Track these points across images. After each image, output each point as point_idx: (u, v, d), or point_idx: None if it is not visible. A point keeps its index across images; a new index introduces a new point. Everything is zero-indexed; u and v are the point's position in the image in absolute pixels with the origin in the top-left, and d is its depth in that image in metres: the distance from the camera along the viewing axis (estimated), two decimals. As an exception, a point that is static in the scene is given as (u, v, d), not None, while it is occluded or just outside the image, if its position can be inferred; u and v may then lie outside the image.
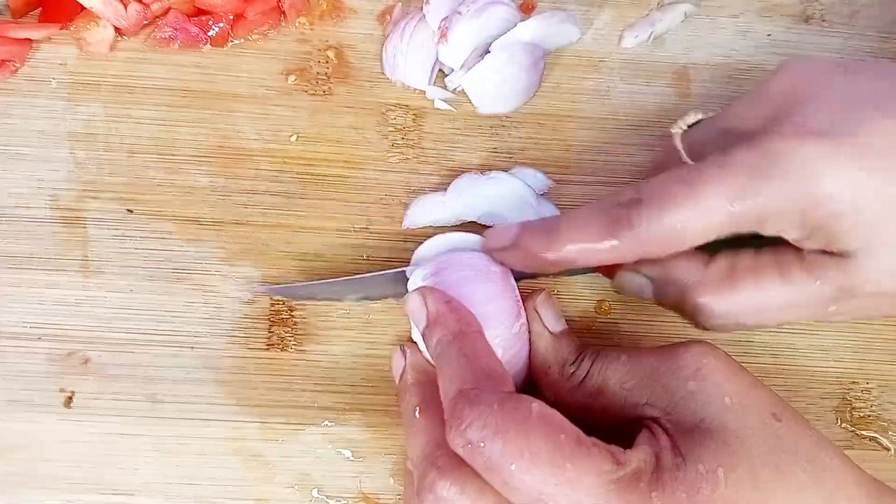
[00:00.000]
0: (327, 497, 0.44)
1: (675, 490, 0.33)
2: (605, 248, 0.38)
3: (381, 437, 0.45)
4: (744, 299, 0.39)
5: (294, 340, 0.46)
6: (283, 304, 0.47)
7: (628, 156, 0.50)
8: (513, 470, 0.32)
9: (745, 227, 0.37)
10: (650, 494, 0.33)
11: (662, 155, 0.47)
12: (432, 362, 0.40)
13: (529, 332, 0.43)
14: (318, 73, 0.51)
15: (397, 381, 0.43)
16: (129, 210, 0.47)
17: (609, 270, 0.45)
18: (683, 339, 0.39)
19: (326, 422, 0.45)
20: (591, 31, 0.53)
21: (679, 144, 0.40)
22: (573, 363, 0.41)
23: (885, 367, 0.48)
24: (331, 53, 0.51)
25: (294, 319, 0.47)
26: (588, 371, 0.40)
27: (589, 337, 0.47)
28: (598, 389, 0.39)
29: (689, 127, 0.41)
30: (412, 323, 0.42)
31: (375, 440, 0.45)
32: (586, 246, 0.39)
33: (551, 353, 0.42)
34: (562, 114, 0.51)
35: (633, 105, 0.52)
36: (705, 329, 0.41)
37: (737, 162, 0.37)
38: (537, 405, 0.34)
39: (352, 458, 0.45)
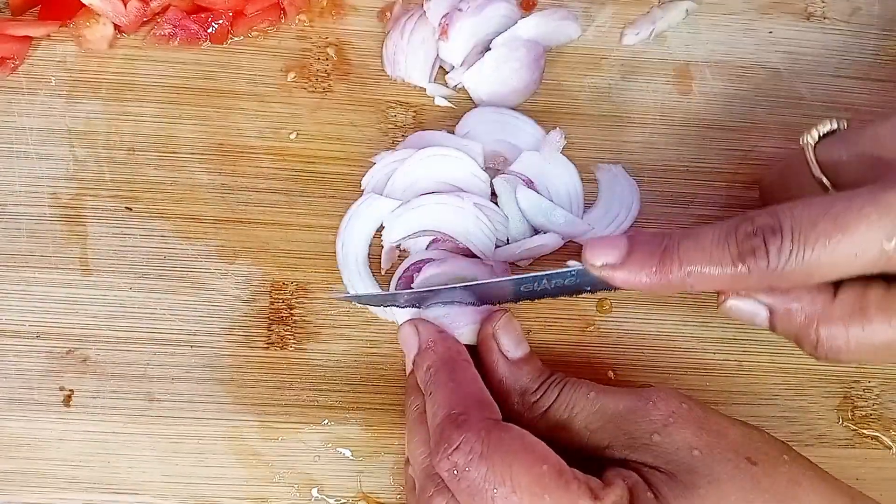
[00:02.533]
0: (327, 496, 0.44)
1: None
2: (731, 277, 0.36)
3: (381, 437, 0.45)
4: (873, 335, 0.37)
5: (294, 339, 0.46)
6: (283, 302, 0.47)
7: (631, 153, 0.50)
8: (494, 495, 0.33)
9: (894, 268, 0.35)
10: None
11: (784, 165, 0.44)
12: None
13: (484, 358, 0.41)
14: (317, 70, 0.50)
15: (408, 359, 0.42)
16: (128, 208, 0.47)
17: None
18: (657, 382, 0.40)
19: (326, 421, 0.45)
20: (592, 28, 0.53)
21: (811, 157, 0.38)
22: (535, 391, 0.40)
23: (887, 365, 0.48)
24: (331, 50, 0.51)
25: (294, 318, 0.46)
26: (553, 402, 0.39)
27: (589, 335, 0.47)
28: (562, 425, 0.39)
29: (822, 137, 0.39)
30: (404, 351, 0.42)
31: (375, 439, 0.45)
32: (709, 272, 0.36)
33: (511, 380, 0.41)
34: (562, 111, 0.51)
35: (633, 102, 0.51)
36: (820, 360, 0.39)
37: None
38: (523, 434, 0.34)
39: (351, 458, 0.45)
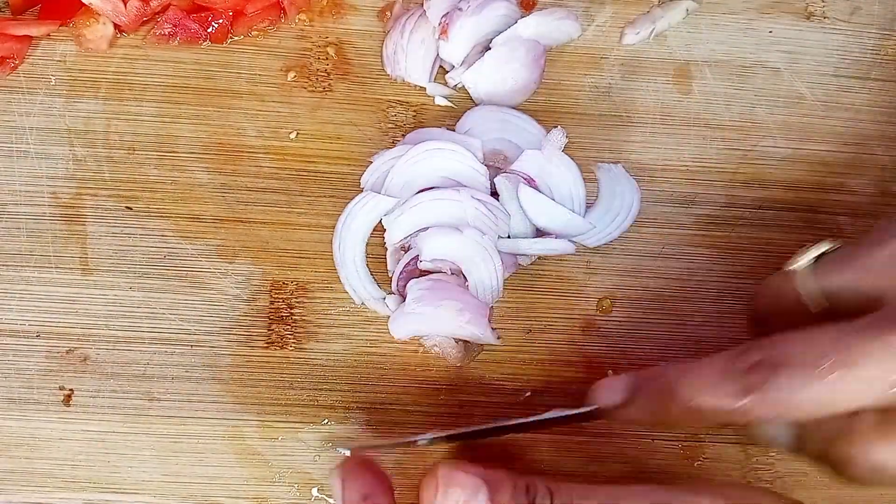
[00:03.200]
0: (327, 496, 0.44)
1: None
2: (733, 411, 0.36)
3: (382, 436, 0.45)
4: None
5: (294, 339, 0.46)
6: (283, 301, 0.46)
7: (631, 153, 0.50)
8: None
9: None
10: None
11: (777, 289, 0.42)
12: None
13: None
14: (317, 69, 0.50)
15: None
16: (128, 207, 0.47)
17: None
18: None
19: (326, 420, 0.45)
20: (592, 27, 0.53)
21: (803, 288, 0.38)
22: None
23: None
24: (331, 50, 0.51)
25: (294, 317, 0.46)
26: None
27: (589, 335, 0.47)
28: None
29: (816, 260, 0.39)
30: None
31: (375, 439, 0.45)
32: (713, 405, 0.36)
33: None
34: (562, 110, 0.51)
35: (634, 102, 0.51)
36: (852, 482, 0.37)
37: None
38: None
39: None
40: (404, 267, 0.46)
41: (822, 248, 0.39)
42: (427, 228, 0.46)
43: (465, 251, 0.46)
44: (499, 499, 0.35)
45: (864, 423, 0.36)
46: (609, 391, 0.39)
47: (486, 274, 0.46)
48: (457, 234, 0.46)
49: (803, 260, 0.39)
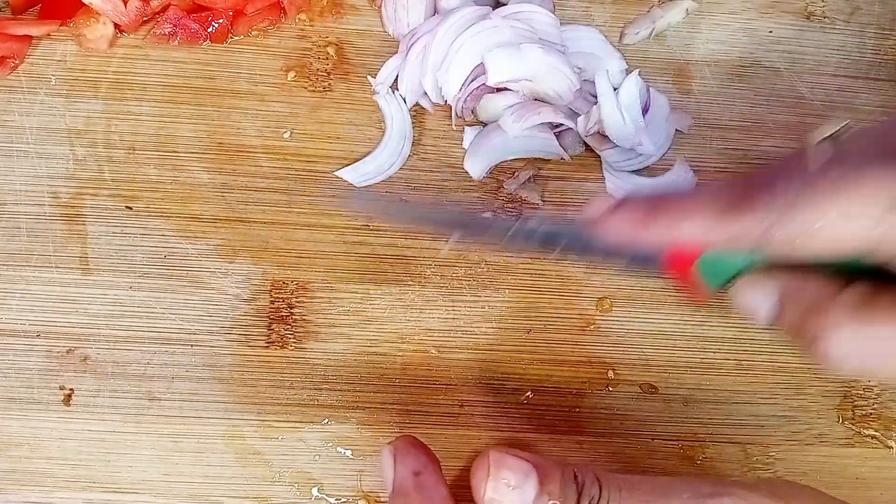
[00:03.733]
0: (327, 495, 0.44)
1: None
2: (716, 224, 0.34)
3: (381, 436, 0.45)
4: (878, 336, 0.33)
5: (294, 338, 0.46)
6: (284, 301, 0.47)
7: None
8: None
9: (888, 250, 0.33)
10: None
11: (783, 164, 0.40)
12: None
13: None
14: (317, 69, 0.50)
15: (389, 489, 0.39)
16: (128, 207, 0.47)
17: (699, 294, 0.40)
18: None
19: (326, 420, 0.45)
20: (592, 27, 0.53)
21: (812, 154, 0.36)
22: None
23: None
24: (331, 50, 0.51)
25: (294, 317, 0.46)
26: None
27: (589, 335, 0.47)
28: None
29: (830, 137, 0.38)
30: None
31: (375, 438, 0.45)
32: (699, 221, 0.35)
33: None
34: (563, 111, 0.51)
35: (634, 102, 0.51)
36: (821, 363, 0.35)
37: None
38: None
39: (351, 457, 0.45)
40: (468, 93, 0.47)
41: (839, 124, 0.38)
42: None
43: (531, 67, 0.47)
44: (548, 485, 0.35)
45: (842, 302, 0.34)
46: (597, 205, 0.38)
47: (560, 84, 0.47)
48: (519, 51, 0.47)
49: (816, 134, 0.38)
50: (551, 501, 0.35)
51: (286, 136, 0.49)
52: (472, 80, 0.47)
